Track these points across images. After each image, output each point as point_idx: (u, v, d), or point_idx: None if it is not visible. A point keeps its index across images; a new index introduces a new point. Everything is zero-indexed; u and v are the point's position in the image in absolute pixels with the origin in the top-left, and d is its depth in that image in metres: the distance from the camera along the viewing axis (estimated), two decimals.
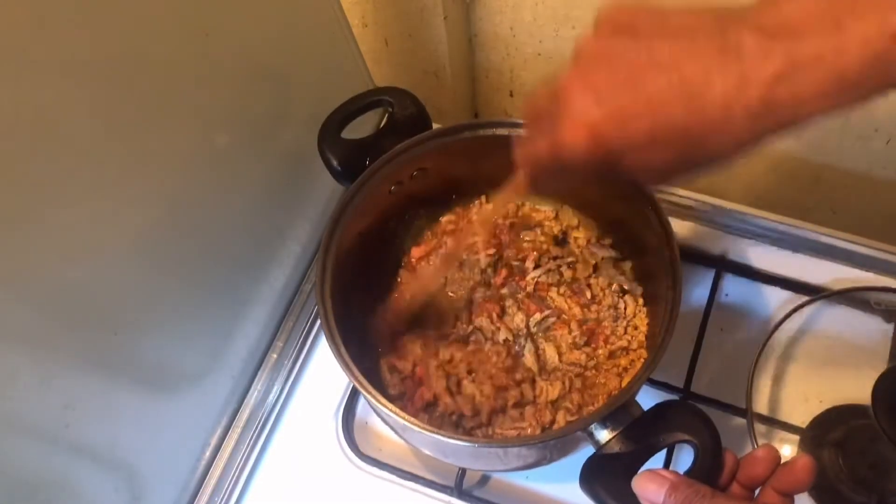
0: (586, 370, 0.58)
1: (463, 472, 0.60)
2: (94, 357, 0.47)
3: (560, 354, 0.59)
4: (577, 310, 0.61)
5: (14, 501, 0.44)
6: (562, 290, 0.62)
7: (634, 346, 0.59)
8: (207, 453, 0.62)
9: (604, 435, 0.46)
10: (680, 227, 0.70)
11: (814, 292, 0.65)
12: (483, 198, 0.68)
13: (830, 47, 0.29)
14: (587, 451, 0.47)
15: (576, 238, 0.65)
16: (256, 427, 0.64)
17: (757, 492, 0.43)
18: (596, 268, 0.63)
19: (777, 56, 0.29)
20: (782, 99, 0.30)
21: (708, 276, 0.68)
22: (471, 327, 0.61)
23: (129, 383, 0.52)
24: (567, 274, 0.63)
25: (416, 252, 0.66)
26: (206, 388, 0.61)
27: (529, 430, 0.56)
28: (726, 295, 0.68)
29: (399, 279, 0.65)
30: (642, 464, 0.45)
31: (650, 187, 0.40)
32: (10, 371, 0.41)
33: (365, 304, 0.63)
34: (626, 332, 0.60)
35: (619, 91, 0.33)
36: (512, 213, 0.67)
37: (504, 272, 0.63)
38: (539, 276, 0.62)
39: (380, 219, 0.64)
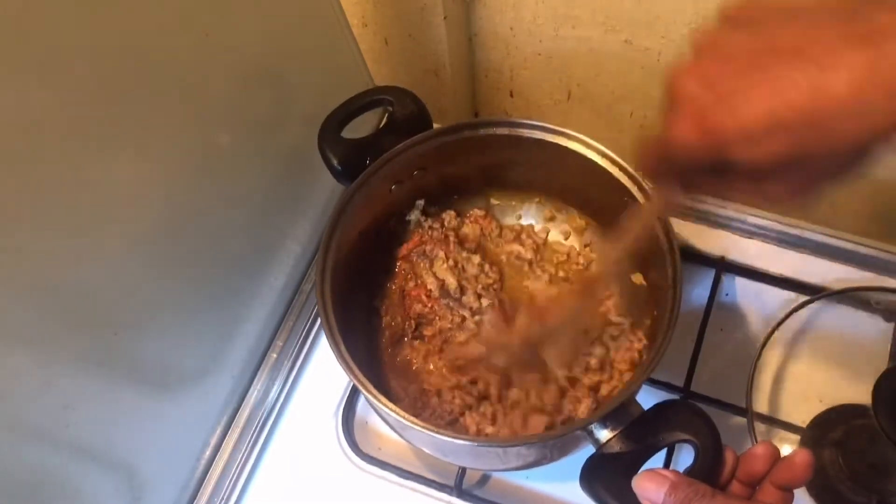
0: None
1: (463, 471, 0.60)
2: (94, 357, 0.47)
3: None
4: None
5: (14, 501, 0.44)
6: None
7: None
8: (207, 453, 0.62)
9: (604, 434, 0.46)
10: (680, 227, 0.70)
11: (814, 292, 0.65)
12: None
13: None
14: (587, 450, 0.47)
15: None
16: (256, 427, 0.64)
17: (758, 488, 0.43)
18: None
19: None
20: None
21: (708, 276, 0.68)
22: None
23: (129, 384, 0.52)
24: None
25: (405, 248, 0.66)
26: (206, 388, 0.61)
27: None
28: (726, 295, 0.68)
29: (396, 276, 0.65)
30: (642, 463, 0.45)
31: (780, 199, 0.35)
32: (11, 371, 0.41)
33: (365, 303, 0.63)
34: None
35: (733, 77, 0.31)
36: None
37: None
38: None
39: (380, 218, 0.64)
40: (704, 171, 0.35)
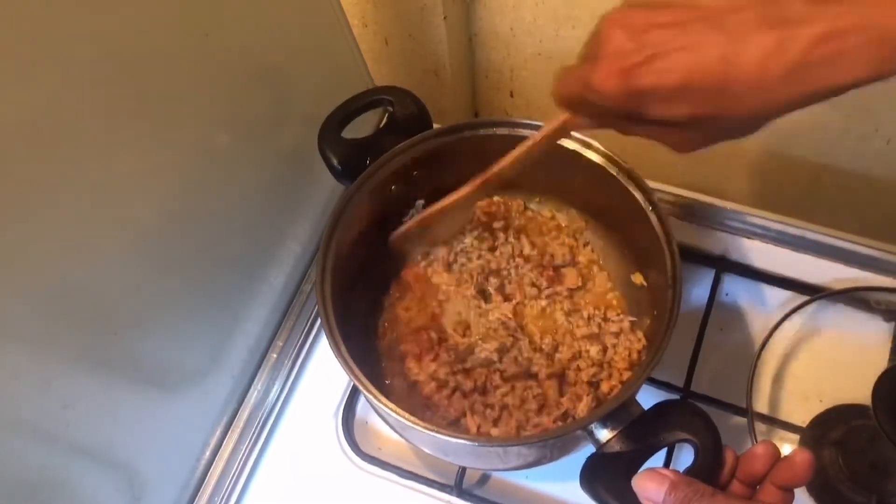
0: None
1: (463, 470, 0.60)
2: (94, 357, 0.47)
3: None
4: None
5: (14, 501, 0.44)
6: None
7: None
8: (207, 453, 0.62)
9: (604, 434, 0.46)
10: (680, 227, 0.70)
11: (814, 292, 0.65)
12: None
13: (874, 14, 0.29)
14: (588, 450, 0.47)
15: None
16: (256, 427, 0.64)
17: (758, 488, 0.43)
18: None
19: (821, 19, 0.30)
20: (821, 60, 0.30)
21: (708, 276, 0.68)
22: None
23: (129, 383, 0.52)
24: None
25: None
26: (206, 387, 0.61)
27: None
28: (726, 295, 0.68)
29: (398, 279, 0.65)
30: (642, 463, 0.45)
31: (679, 149, 0.39)
32: (11, 371, 0.41)
33: (365, 303, 0.63)
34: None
35: (657, 33, 0.33)
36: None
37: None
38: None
39: (380, 218, 0.64)
40: (617, 114, 0.38)
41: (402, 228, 0.62)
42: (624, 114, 0.37)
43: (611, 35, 0.35)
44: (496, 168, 0.54)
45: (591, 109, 0.39)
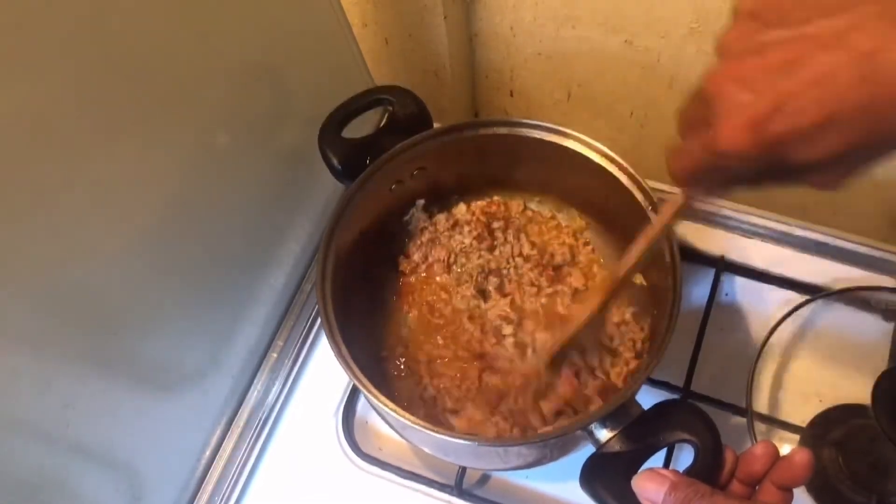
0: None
1: (463, 470, 0.60)
2: (94, 357, 0.47)
3: None
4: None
5: (14, 501, 0.44)
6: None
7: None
8: (207, 453, 0.62)
9: (604, 434, 0.46)
10: (680, 227, 0.70)
11: (814, 292, 0.65)
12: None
13: None
14: (588, 450, 0.47)
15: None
16: (256, 427, 0.64)
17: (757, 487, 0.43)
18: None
19: None
20: None
21: (708, 276, 0.68)
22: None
23: (129, 383, 0.52)
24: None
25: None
26: (205, 388, 0.61)
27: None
28: (726, 295, 0.68)
29: (398, 281, 0.65)
30: (642, 463, 0.45)
31: (826, 187, 0.34)
32: (10, 371, 0.41)
33: (365, 303, 0.63)
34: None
35: (778, 76, 0.29)
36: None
37: None
38: None
39: (380, 218, 0.64)
40: (753, 173, 0.34)
41: (547, 355, 0.56)
42: (762, 169, 0.33)
43: (724, 91, 0.31)
44: (622, 273, 0.48)
45: (721, 177, 0.36)
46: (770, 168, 0.32)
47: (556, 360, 0.56)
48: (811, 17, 0.29)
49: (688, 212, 0.45)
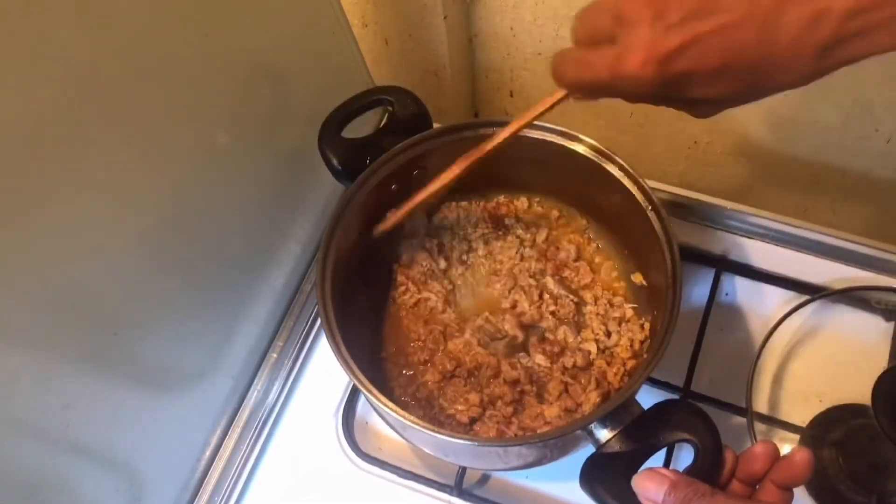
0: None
1: (463, 471, 0.60)
2: (94, 357, 0.47)
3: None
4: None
5: (14, 501, 0.44)
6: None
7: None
8: (207, 453, 0.62)
9: (604, 434, 0.46)
10: (680, 227, 0.70)
11: (814, 292, 0.65)
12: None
13: None
14: (587, 450, 0.47)
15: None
16: (256, 427, 0.64)
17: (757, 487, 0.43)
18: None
19: None
20: (854, 33, 0.30)
21: (708, 276, 0.68)
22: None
23: (129, 383, 0.52)
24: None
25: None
26: (206, 388, 0.61)
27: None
28: (726, 294, 0.68)
29: (397, 278, 0.65)
30: (642, 463, 0.45)
31: (699, 116, 0.38)
32: (10, 371, 0.41)
33: (365, 303, 0.63)
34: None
35: (691, 19, 0.32)
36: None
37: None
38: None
39: (380, 218, 0.63)
40: (642, 97, 0.37)
41: (390, 221, 0.60)
42: (650, 95, 0.36)
43: (639, 17, 0.33)
44: (485, 148, 0.52)
45: (610, 94, 0.38)
46: (658, 97, 0.36)
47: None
48: None
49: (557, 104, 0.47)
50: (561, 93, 0.45)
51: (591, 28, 0.37)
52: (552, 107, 0.47)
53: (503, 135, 0.52)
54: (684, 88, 0.34)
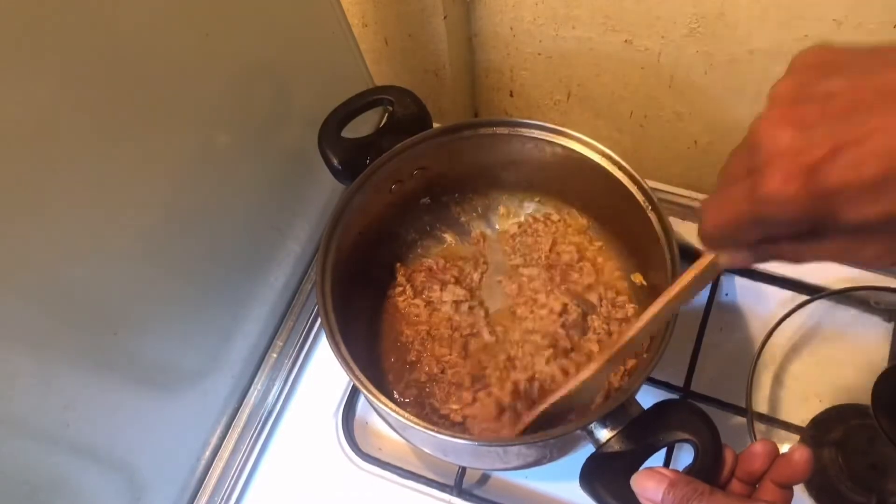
0: None
1: (463, 470, 0.60)
2: (94, 357, 0.47)
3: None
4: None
5: (14, 501, 0.44)
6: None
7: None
8: (207, 453, 0.62)
9: (604, 434, 0.46)
10: (680, 227, 0.70)
11: (814, 292, 0.65)
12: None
13: None
14: (587, 450, 0.47)
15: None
16: (256, 427, 0.64)
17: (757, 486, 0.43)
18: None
19: None
20: None
21: None
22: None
23: (129, 383, 0.52)
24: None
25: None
26: (206, 387, 0.61)
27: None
28: (726, 294, 0.68)
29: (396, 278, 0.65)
30: (642, 463, 0.45)
31: (875, 262, 0.30)
32: (10, 371, 0.41)
33: (365, 303, 0.63)
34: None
35: (836, 124, 0.26)
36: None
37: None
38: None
39: (380, 218, 0.64)
40: (795, 234, 0.30)
41: (529, 419, 0.52)
42: (806, 229, 0.29)
43: (775, 135, 0.28)
44: (625, 339, 0.45)
45: (759, 233, 0.31)
46: (816, 226, 0.29)
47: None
48: (875, 68, 0.27)
49: (711, 277, 0.39)
50: (707, 258, 0.37)
51: (728, 172, 0.31)
52: (700, 275, 0.38)
53: (641, 322, 0.44)
54: (845, 207, 0.27)
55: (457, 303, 0.63)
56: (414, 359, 0.61)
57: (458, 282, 0.65)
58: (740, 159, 0.30)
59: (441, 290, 0.64)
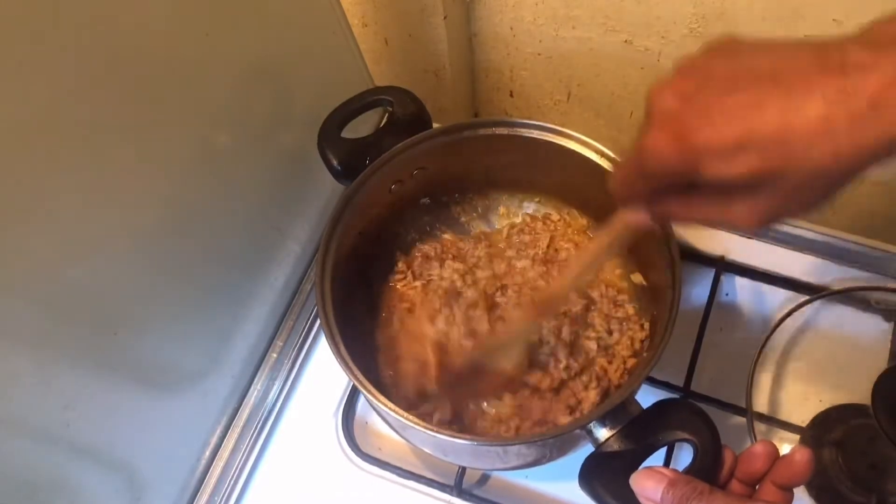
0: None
1: (463, 470, 0.60)
2: (94, 357, 0.47)
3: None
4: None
5: (14, 501, 0.44)
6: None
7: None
8: (207, 453, 0.62)
9: (603, 433, 0.46)
10: (680, 227, 0.70)
11: (814, 292, 0.65)
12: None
13: None
14: (587, 449, 0.47)
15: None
16: (256, 427, 0.64)
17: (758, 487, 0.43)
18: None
19: (885, 64, 0.28)
20: (888, 104, 0.28)
21: (708, 276, 0.68)
22: None
23: (129, 383, 0.52)
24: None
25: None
26: (205, 387, 0.61)
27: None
28: (726, 294, 0.68)
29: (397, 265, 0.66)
30: (641, 462, 0.45)
31: (742, 226, 0.35)
32: (10, 371, 0.41)
33: (365, 303, 0.63)
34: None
35: (711, 94, 0.32)
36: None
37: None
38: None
39: (380, 218, 0.64)
40: (672, 188, 0.36)
41: (447, 369, 0.56)
42: (680, 182, 0.34)
43: (660, 99, 0.33)
44: (550, 291, 0.50)
45: (646, 185, 0.37)
46: (690, 181, 0.33)
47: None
48: (757, 55, 0.32)
49: (626, 236, 0.43)
50: (619, 218, 0.42)
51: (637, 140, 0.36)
52: (617, 232, 0.43)
53: (569, 274, 0.49)
54: (704, 165, 0.32)
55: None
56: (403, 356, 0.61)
57: (455, 258, 0.65)
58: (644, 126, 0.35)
59: (440, 266, 0.64)
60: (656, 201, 0.38)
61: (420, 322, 0.61)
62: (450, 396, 0.57)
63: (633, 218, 0.41)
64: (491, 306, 0.61)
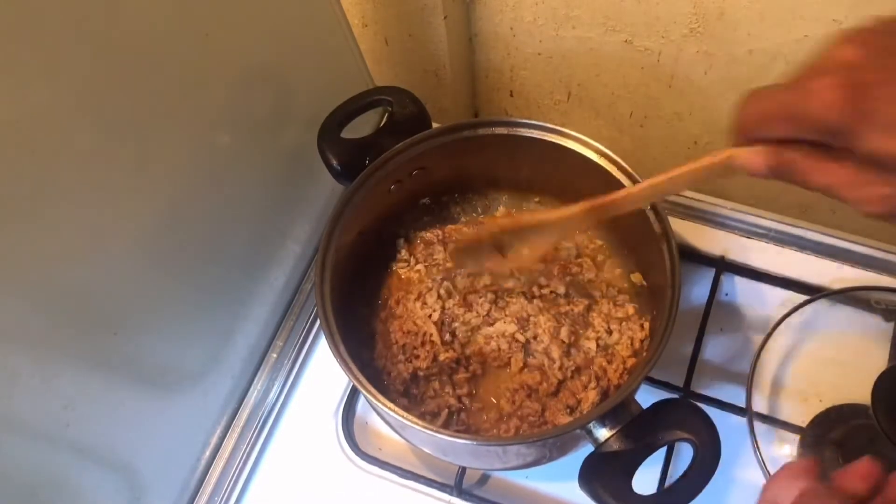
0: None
1: (463, 470, 0.60)
2: (94, 357, 0.48)
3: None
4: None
5: (14, 501, 0.44)
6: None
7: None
8: (207, 453, 0.62)
9: (603, 433, 0.46)
10: (680, 227, 0.70)
11: (814, 292, 0.65)
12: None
13: None
14: (587, 449, 0.47)
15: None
16: (256, 427, 0.64)
17: None
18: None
19: None
20: None
21: (708, 276, 0.68)
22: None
23: (129, 383, 0.52)
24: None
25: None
26: (206, 387, 0.61)
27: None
28: (726, 294, 0.68)
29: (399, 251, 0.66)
30: (641, 462, 0.45)
31: (871, 211, 0.32)
32: (10, 371, 0.41)
33: (364, 303, 0.63)
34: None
35: (891, 55, 0.29)
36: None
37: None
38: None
39: (380, 218, 0.64)
40: (818, 140, 0.31)
41: (471, 235, 0.54)
42: (829, 140, 0.31)
43: (841, 50, 0.30)
44: (610, 197, 0.46)
45: (786, 130, 0.33)
46: (838, 141, 0.30)
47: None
48: None
49: (719, 172, 0.38)
50: (725, 152, 0.37)
51: (797, 73, 0.32)
52: (712, 165, 0.38)
53: (634, 190, 0.46)
54: (866, 130, 0.29)
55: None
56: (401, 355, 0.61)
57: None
58: (809, 64, 0.32)
59: (444, 250, 0.65)
60: (784, 150, 0.34)
61: (420, 296, 0.62)
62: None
63: (747, 158, 0.36)
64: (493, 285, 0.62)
